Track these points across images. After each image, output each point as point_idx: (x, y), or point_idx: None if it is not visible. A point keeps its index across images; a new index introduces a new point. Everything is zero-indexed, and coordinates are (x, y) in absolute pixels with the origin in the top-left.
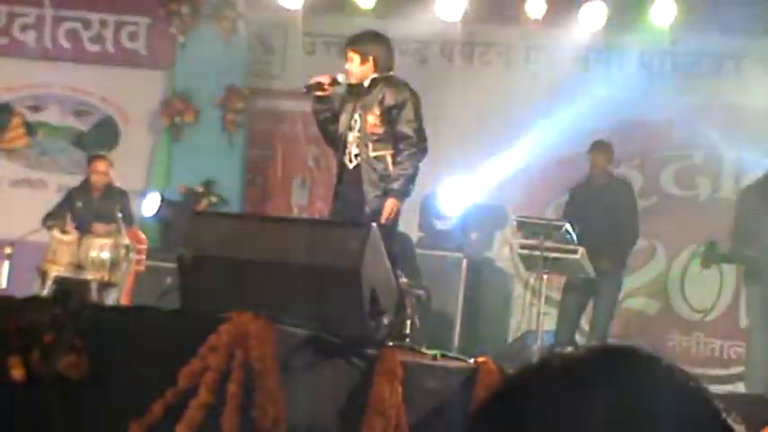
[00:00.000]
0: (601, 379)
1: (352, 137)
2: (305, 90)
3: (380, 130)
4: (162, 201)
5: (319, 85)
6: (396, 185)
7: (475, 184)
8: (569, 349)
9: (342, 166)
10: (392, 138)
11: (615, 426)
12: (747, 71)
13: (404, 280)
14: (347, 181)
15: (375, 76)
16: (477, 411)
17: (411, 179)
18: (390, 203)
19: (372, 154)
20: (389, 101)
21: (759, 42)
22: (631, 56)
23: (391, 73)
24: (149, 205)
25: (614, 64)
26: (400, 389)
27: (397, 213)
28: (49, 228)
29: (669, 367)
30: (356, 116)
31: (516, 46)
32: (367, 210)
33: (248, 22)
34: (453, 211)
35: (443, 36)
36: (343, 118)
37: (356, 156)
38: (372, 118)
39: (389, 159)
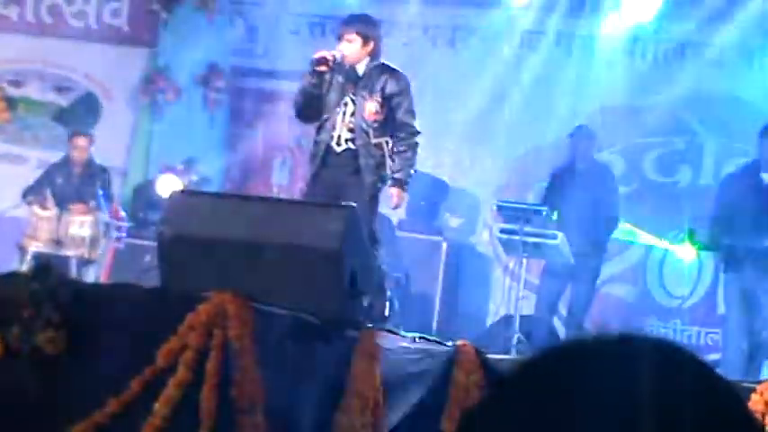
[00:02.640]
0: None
1: (340, 121)
2: (314, 64)
3: (381, 118)
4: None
5: (325, 60)
6: (400, 175)
7: (456, 167)
8: (586, 336)
9: (327, 148)
10: (390, 125)
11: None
12: (730, 60)
13: (384, 264)
14: (333, 164)
15: (370, 61)
16: (495, 393)
17: (413, 168)
18: (399, 193)
19: (373, 141)
20: (392, 89)
21: (742, 31)
22: (615, 42)
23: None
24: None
25: (597, 50)
26: (379, 371)
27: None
28: (29, 203)
29: (694, 359)
30: (347, 100)
31: (499, 30)
32: (366, 197)
33: (232, 1)
34: (433, 195)
35: (426, 19)
36: (331, 100)
37: (347, 140)
38: (374, 105)
39: (386, 147)
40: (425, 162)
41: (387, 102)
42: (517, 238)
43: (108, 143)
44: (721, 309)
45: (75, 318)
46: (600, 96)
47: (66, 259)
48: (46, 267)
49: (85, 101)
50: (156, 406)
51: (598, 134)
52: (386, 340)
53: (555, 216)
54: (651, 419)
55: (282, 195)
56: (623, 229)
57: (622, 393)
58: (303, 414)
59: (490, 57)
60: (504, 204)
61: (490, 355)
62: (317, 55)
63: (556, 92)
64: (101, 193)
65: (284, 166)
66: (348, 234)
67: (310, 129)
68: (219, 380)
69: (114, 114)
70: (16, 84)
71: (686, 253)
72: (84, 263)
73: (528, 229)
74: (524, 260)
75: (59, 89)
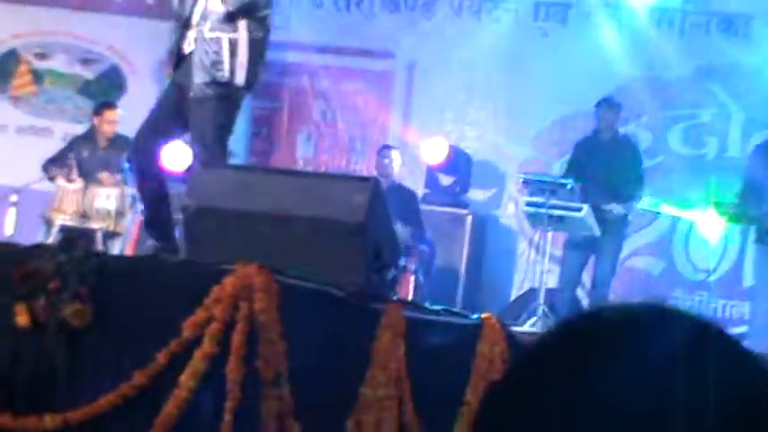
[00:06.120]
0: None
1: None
2: None
3: (221, 9)
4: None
5: None
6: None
7: (482, 140)
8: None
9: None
10: (231, 19)
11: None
12: (756, 30)
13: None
14: (183, 66)
15: None
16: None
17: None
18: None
19: (208, 35)
20: None
21: None
22: (641, 14)
23: None
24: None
25: (624, 21)
26: (403, 344)
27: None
28: (52, 178)
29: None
30: None
31: (525, 2)
32: (191, 95)
33: None
34: (459, 168)
35: None
36: None
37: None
38: None
39: (225, 44)
40: (450, 135)
41: None
42: (543, 210)
43: (133, 116)
44: (747, 282)
45: (101, 291)
46: (626, 68)
47: (91, 232)
48: (72, 240)
49: (110, 74)
50: (182, 378)
51: (624, 106)
52: (410, 313)
53: (579, 188)
54: (679, 390)
55: (307, 168)
56: (649, 202)
57: (648, 367)
58: (328, 387)
59: (515, 28)
60: (530, 177)
61: (515, 328)
62: None
63: (582, 64)
64: (127, 165)
65: (309, 140)
66: (373, 207)
67: (336, 102)
68: (245, 352)
69: (139, 88)
70: (42, 56)
71: (713, 226)
72: (110, 235)
73: (553, 201)
74: (549, 233)
75: (85, 62)
